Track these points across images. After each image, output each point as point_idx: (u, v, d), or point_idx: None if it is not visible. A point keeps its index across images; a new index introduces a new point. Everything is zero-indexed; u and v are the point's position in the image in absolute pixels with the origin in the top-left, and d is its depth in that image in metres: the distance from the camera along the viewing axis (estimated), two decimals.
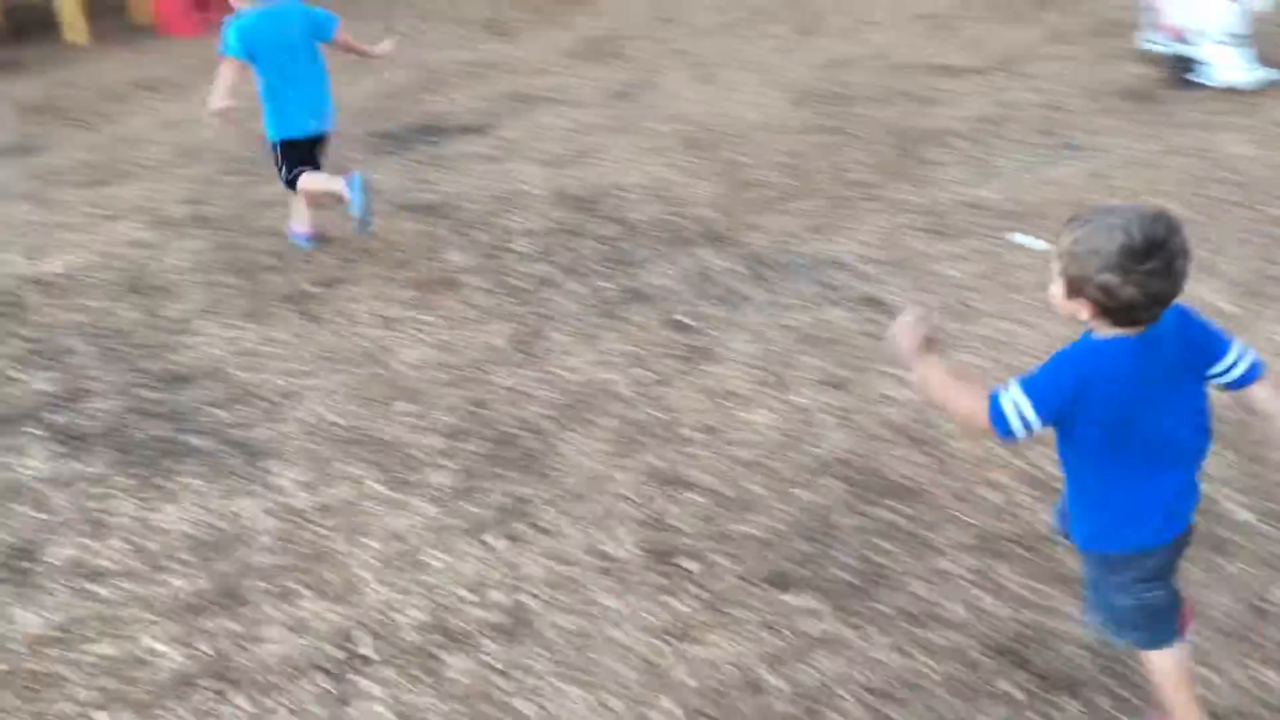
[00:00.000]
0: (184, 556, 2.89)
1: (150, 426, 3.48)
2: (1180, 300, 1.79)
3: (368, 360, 3.79)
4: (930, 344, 1.96)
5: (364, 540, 2.91)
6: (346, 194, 4.36)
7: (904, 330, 1.98)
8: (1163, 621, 1.99)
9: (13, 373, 3.84)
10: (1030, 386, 1.83)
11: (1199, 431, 1.90)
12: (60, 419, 3.55)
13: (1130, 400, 1.81)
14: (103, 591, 2.80)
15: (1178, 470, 1.90)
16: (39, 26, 8.94)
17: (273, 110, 4.52)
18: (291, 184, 4.56)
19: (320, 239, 4.69)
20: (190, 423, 3.49)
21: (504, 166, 5.46)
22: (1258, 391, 1.91)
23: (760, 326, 3.84)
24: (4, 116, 6.85)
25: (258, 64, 4.43)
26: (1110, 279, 1.72)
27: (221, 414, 3.54)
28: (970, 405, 1.91)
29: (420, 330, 3.97)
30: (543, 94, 6.53)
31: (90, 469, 3.27)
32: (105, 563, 2.89)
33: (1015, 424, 1.83)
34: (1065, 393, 1.82)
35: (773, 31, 7.45)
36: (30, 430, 3.49)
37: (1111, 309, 1.76)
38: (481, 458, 3.22)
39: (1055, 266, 1.81)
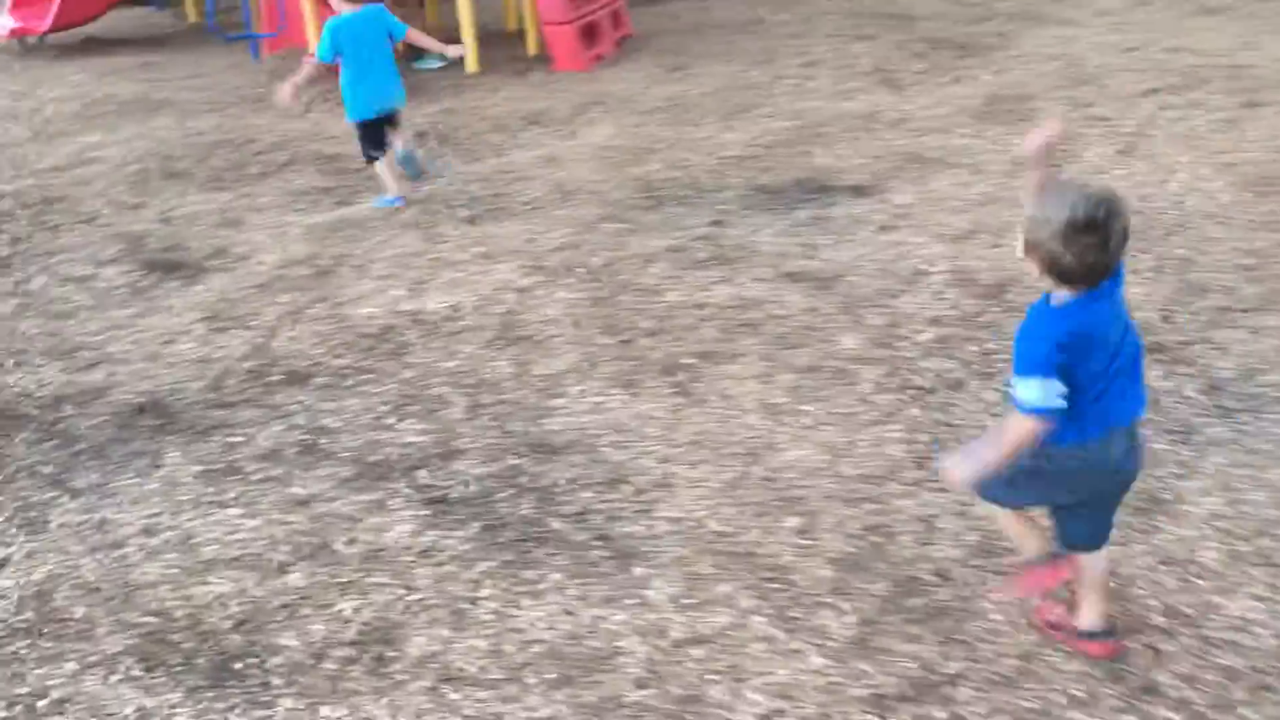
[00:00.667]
0: (546, 673, 2.58)
1: (518, 502, 3.24)
2: None
3: (747, 454, 3.39)
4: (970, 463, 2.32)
5: (745, 691, 2.48)
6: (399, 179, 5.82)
7: (949, 473, 2.39)
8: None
9: (389, 419, 3.74)
10: (1031, 368, 2.16)
11: (1134, 362, 2.28)
12: (429, 479, 3.38)
13: (1088, 349, 2.17)
14: (458, 698, 2.53)
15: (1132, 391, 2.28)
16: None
17: (350, 97, 5.66)
18: (370, 160, 5.82)
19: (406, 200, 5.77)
20: (558, 504, 3.22)
21: (898, 237, 4.94)
22: None
23: (1228, 478, 3.10)
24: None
25: (344, 59, 5.58)
26: (1054, 247, 2.10)
27: (590, 497, 3.24)
28: (1018, 433, 2.21)
29: (806, 425, 3.53)
30: (939, 155, 5.95)
31: (457, 545, 3.05)
32: (464, 665, 2.62)
33: (1048, 401, 2.15)
34: (1052, 358, 2.15)
35: (1210, 101, 6.49)
36: (399, 487, 3.34)
37: (1054, 271, 2.14)
38: (882, 603, 2.72)
39: (1020, 226, 2.18)
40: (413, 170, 5.92)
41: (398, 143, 5.83)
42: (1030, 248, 2.16)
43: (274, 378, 4.07)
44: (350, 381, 4.02)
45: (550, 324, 4.35)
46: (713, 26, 10.05)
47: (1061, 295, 2.20)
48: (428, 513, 3.21)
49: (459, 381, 3.97)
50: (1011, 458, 2.21)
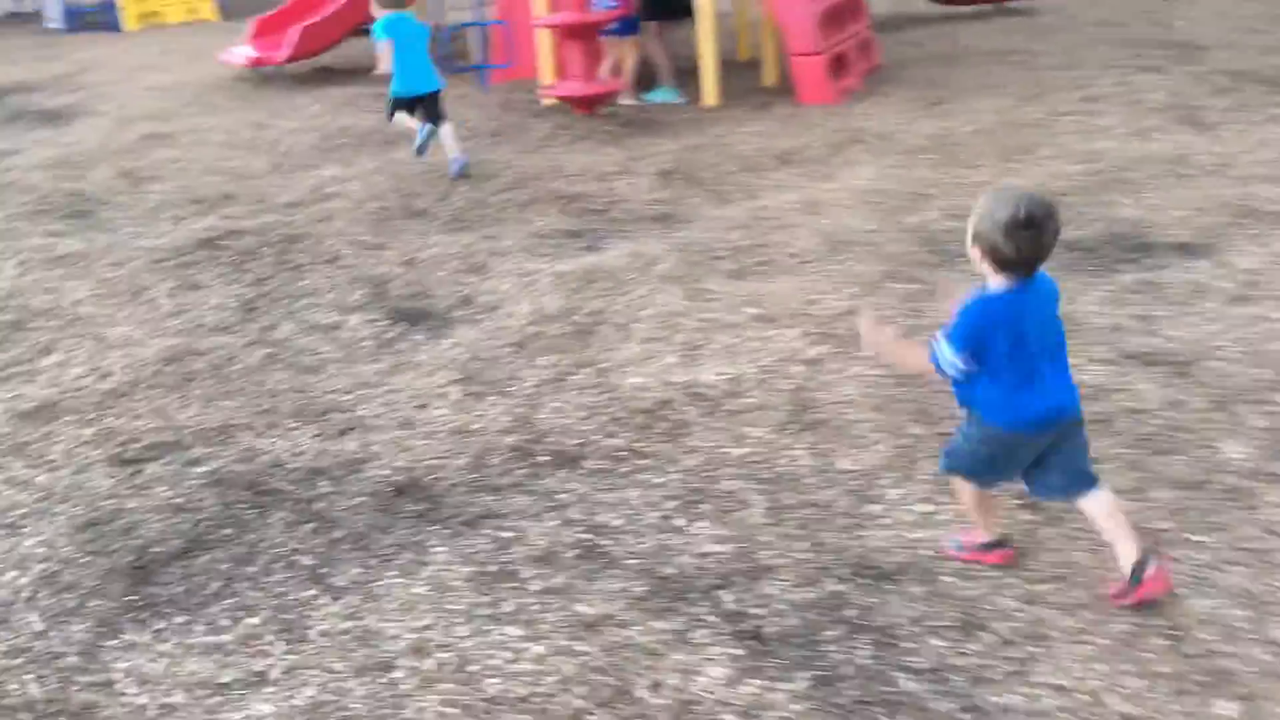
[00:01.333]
0: None
1: (851, 646, 2.65)
2: None
3: (1137, 601, 2.70)
4: (885, 329, 2.95)
5: None
6: (416, 133, 7.02)
7: (867, 327, 2.93)
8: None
9: (677, 519, 3.23)
10: (955, 337, 2.60)
11: (1059, 350, 2.67)
12: (735, 604, 2.83)
13: (1012, 331, 2.57)
14: None
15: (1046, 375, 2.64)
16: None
17: (397, 78, 7.03)
18: (389, 117, 7.27)
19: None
20: (902, 653, 2.61)
21: (1258, 311, 4.14)
22: None
23: None
24: (640, 179, 6.65)
25: (395, 45, 6.90)
26: (997, 239, 2.50)
27: (943, 648, 2.62)
28: (914, 360, 2.81)
29: (1205, 562, 2.81)
30: (1278, 210, 5.09)
31: (786, 702, 2.48)
32: None
33: (946, 366, 2.62)
34: (973, 337, 2.58)
35: None
36: (702, 613, 2.80)
37: (996, 260, 2.54)
38: None
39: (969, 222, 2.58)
40: (420, 146, 7.04)
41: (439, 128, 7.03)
42: (976, 239, 2.57)
43: (541, 458, 3.62)
44: (626, 468, 3.53)
45: (849, 406, 3.76)
46: (967, 56, 9.29)
47: (998, 283, 2.59)
48: (742, 652, 2.66)
49: (753, 474, 3.42)
50: (896, 366, 3.16)
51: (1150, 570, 2.64)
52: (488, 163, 7.23)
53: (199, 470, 3.69)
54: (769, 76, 8.85)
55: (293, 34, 10.36)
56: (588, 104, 7.95)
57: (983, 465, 2.77)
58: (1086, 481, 2.74)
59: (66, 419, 4.15)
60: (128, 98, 10.97)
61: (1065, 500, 2.82)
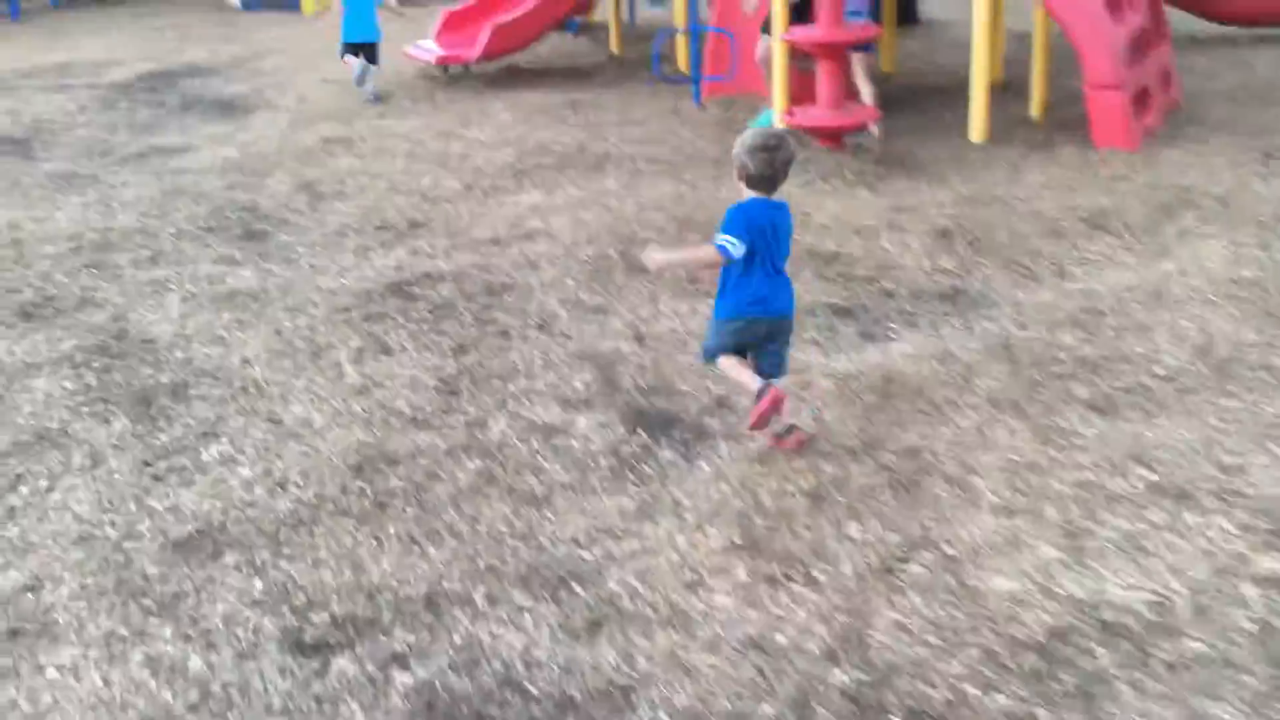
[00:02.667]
0: None
1: None
2: None
3: None
4: (662, 250, 3.93)
5: None
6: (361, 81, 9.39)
7: (650, 260, 3.71)
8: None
9: None
10: (729, 229, 3.37)
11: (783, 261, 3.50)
12: None
13: (763, 234, 3.39)
14: None
15: (779, 279, 3.50)
16: (931, 118, 7.72)
17: (346, 29, 9.55)
18: (341, 56, 9.62)
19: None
20: None
21: None
22: None
23: None
24: (911, 239, 5.43)
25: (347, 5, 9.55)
26: (745, 159, 3.37)
27: None
28: (705, 254, 3.56)
29: None
30: None
31: None
32: None
33: (734, 251, 3.35)
34: (742, 227, 3.36)
35: None
36: None
37: (745, 176, 3.40)
38: None
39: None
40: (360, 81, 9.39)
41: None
42: (734, 161, 3.43)
43: (892, 717, 2.47)
44: None
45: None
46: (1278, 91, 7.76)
47: (747, 195, 3.44)
48: None
49: None
50: (692, 266, 4.36)
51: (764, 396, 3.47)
52: (714, 202, 6.12)
53: (403, 680, 2.66)
54: (1036, 106, 7.50)
55: (484, 32, 9.43)
56: (835, 136, 6.75)
57: (729, 341, 3.55)
58: (781, 370, 3.62)
59: (230, 556, 3.20)
60: (306, 89, 10.25)
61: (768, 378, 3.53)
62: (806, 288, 4.91)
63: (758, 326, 3.50)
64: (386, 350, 4.57)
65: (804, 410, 3.83)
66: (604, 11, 11.84)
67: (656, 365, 4.31)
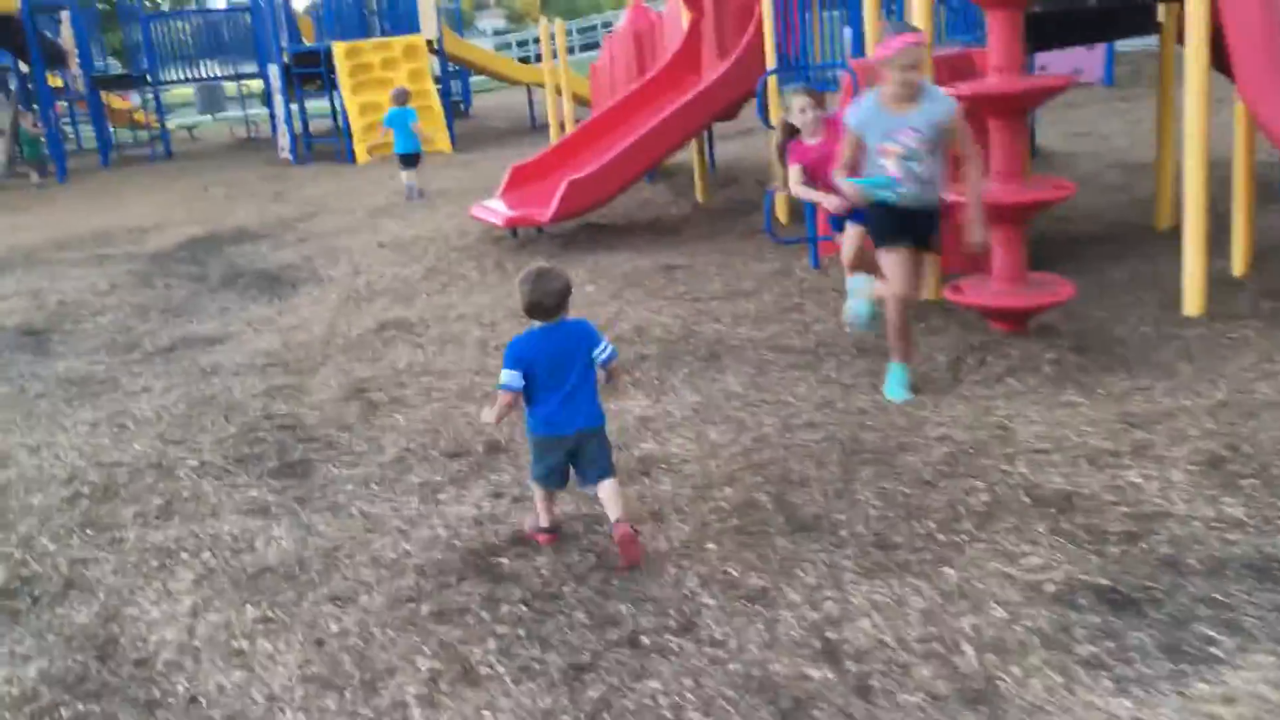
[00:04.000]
0: None
1: None
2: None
3: None
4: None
5: None
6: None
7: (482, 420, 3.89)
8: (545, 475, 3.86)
9: None
10: (504, 365, 3.68)
11: (584, 381, 3.71)
12: None
13: (536, 363, 3.66)
14: None
15: (573, 398, 3.70)
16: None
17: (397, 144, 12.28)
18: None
19: None
20: None
21: None
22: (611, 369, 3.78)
23: None
24: (1171, 471, 4.02)
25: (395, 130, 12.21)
26: (520, 291, 3.69)
27: None
28: (499, 399, 3.72)
29: None
30: None
31: None
32: None
33: (513, 383, 3.66)
34: (512, 361, 3.67)
35: None
36: None
37: (524, 307, 3.70)
38: None
39: None
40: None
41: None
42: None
43: None
44: None
45: None
46: None
47: (530, 325, 3.74)
48: None
49: None
50: (501, 414, 3.76)
51: (618, 530, 3.72)
52: (879, 415, 4.77)
53: None
54: (1239, 259, 6.13)
55: (559, 189, 8.32)
56: (1019, 318, 5.39)
57: (540, 467, 3.85)
58: (604, 473, 3.79)
59: None
60: (360, 256, 9.20)
61: (593, 485, 3.80)
62: (1047, 556, 3.51)
63: (555, 444, 3.77)
64: (470, 676, 3.20)
65: None
66: (683, 152, 10.79)
67: (863, 694, 2.91)
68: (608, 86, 11.41)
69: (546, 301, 3.66)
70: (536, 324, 3.71)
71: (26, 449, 5.37)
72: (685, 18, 9.68)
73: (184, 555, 4.12)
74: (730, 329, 6.13)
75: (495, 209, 8.81)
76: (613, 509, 3.74)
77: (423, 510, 4.33)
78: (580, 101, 13.70)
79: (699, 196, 10.07)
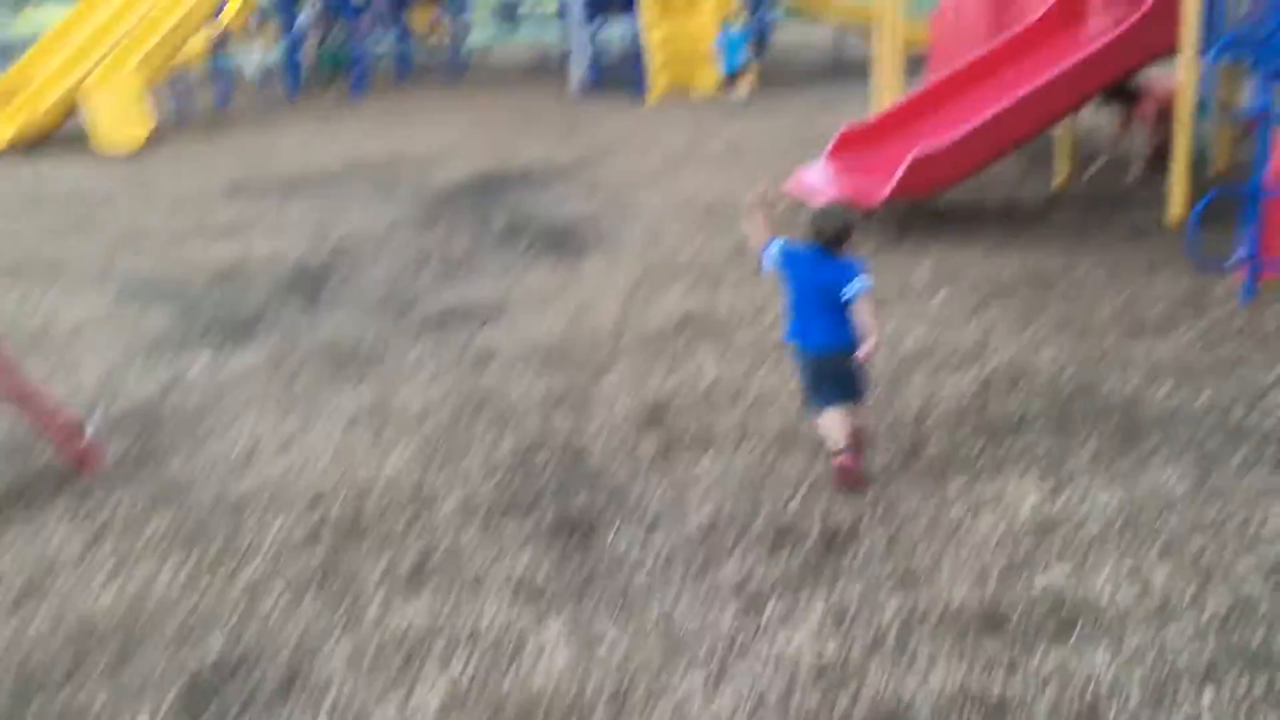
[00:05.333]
0: None
1: None
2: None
3: None
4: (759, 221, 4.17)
5: None
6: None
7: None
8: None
9: None
10: (770, 255, 4.07)
11: (834, 311, 3.91)
12: None
13: (800, 277, 4.02)
14: None
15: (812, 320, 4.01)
16: None
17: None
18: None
19: None
20: None
21: None
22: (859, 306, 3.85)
23: None
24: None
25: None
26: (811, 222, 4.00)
27: None
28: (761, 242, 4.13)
29: None
30: None
31: None
32: None
33: (766, 260, 4.07)
34: (777, 262, 4.05)
35: None
36: None
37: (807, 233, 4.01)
38: None
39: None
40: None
41: None
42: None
43: None
44: None
45: None
46: None
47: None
48: None
49: None
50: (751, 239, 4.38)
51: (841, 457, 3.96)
52: None
53: None
54: None
55: (902, 164, 6.86)
56: None
57: (806, 388, 4.12)
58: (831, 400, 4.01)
59: None
60: (656, 217, 8.11)
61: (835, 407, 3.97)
62: None
63: (799, 356, 4.15)
64: None
65: None
66: None
67: None
68: (951, 37, 9.74)
69: (824, 233, 3.95)
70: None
71: (277, 443, 4.61)
72: None
73: (433, 655, 3.16)
74: (1147, 385, 4.59)
75: (819, 180, 7.45)
76: (833, 436, 4.00)
77: (742, 633, 3.18)
78: (910, 49, 12.02)
79: (1059, 176, 8.33)
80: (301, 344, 5.83)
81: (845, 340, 3.86)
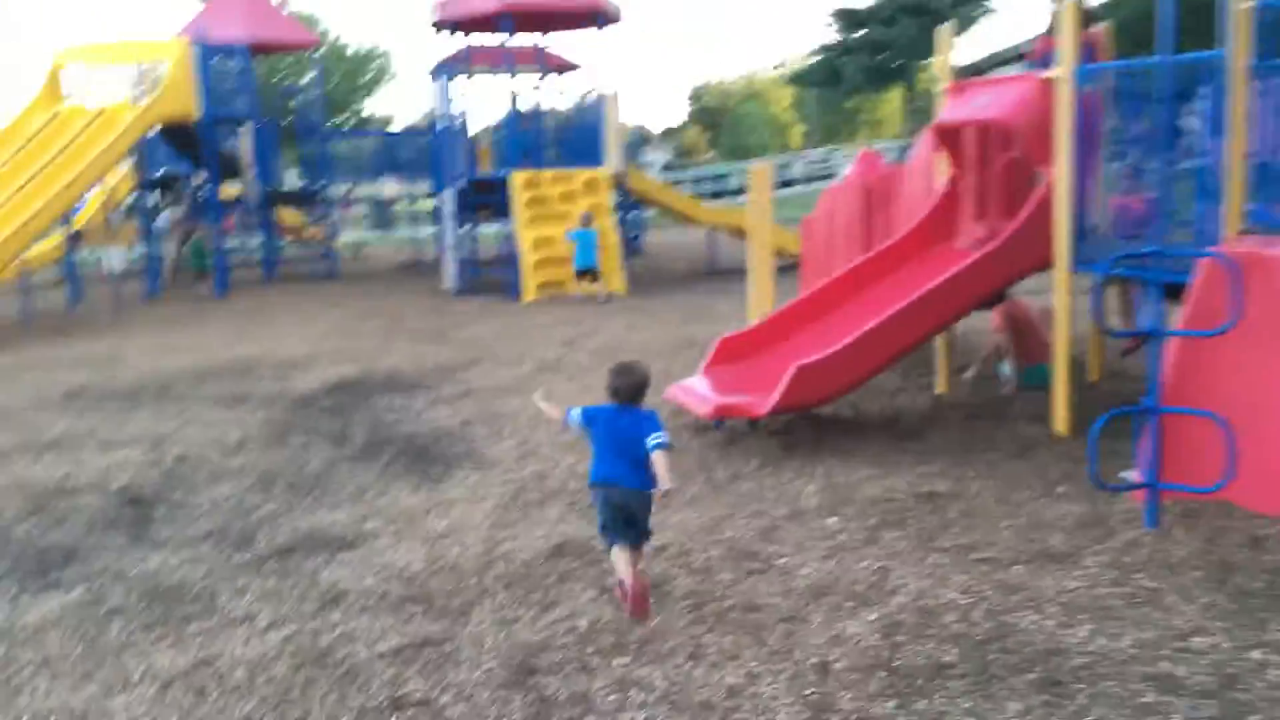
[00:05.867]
0: None
1: None
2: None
3: None
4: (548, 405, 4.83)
5: None
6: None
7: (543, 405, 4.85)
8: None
9: None
10: (575, 412, 4.63)
11: (636, 458, 4.39)
12: None
13: (603, 428, 4.53)
14: None
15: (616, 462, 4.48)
16: None
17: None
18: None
19: None
20: None
21: None
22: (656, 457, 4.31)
23: None
24: None
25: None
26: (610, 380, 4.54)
27: None
28: (558, 413, 4.73)
29: None
30: None
31: None
32: None
33: (570, 421, 4.62)
34: (584, 415, 4.60)
35: None
36: None
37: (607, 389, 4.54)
38: None
39: None
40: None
41: None
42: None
43: None
44: None
45: None
46: None
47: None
48: None
49: None
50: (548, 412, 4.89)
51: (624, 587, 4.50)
52: None
53: None
54: None
55: (785, 375, 6.60)
56: None
57: (602, 526, 4.62)
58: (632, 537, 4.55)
59: None
60: (527, 428, 7.63)
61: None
62: None
63: (599, 492, 4.55)
64: None
65: None
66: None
67: None
68: (823, 245, 9.79)
69: (621, 392, 4.50)
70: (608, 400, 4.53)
71: (68, 717, 3.84)
72: (940, 173, 8.01)
73: None
74: (1061, 628, 4.20)
75: (698, 391, 7.13)
76: (619, 569, 4.51)
77: None
78: (781, 255, 12.13)
79: (940, 384, 8.21)
80: (117, 588, 5.07)
81: (642, 484, 4.38)
